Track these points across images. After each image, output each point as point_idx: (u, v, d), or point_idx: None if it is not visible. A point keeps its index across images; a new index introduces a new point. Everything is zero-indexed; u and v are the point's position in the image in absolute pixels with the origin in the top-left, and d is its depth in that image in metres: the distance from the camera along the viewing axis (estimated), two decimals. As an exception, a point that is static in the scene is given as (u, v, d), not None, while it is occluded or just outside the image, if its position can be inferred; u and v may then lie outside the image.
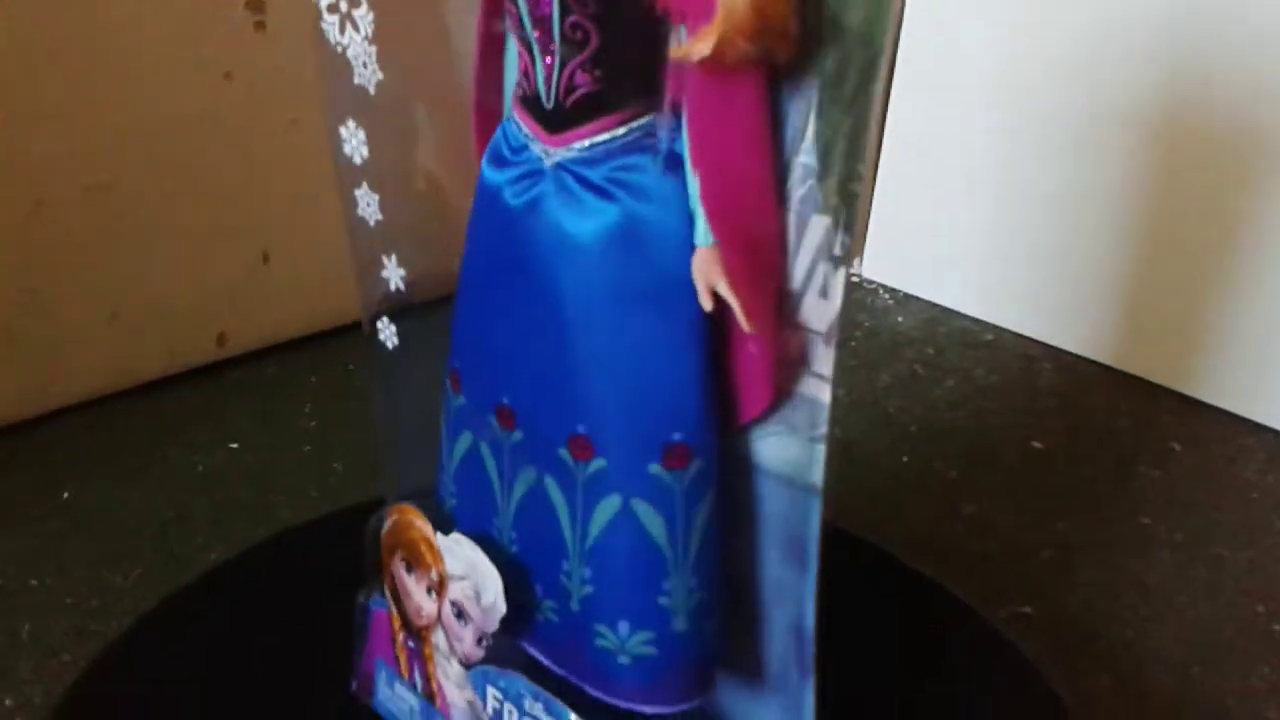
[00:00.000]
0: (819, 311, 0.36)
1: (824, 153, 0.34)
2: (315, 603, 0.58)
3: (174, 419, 0.85)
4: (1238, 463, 0.84)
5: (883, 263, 1.12)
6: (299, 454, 0.82)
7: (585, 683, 0.43)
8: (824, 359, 0.36)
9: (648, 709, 0.42)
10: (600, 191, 0.37)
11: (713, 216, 0.35)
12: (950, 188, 1.04)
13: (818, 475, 0.39)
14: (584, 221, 0.37)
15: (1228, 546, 0.75)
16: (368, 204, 0.44)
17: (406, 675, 0.48)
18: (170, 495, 0.77)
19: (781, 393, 0.38)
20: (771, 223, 0.35)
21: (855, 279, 1.13)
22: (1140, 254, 0.93)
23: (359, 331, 0.96)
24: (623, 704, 0.42)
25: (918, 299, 1.09)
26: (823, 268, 0.35)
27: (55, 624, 0.65)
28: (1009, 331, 1.03)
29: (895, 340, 1.02)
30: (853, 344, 1.01)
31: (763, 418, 0.39)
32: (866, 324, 1.04)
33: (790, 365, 0.37)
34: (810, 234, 0.35)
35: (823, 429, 0.38)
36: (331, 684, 0.53)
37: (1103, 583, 0.71)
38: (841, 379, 0.94)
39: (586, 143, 0.37)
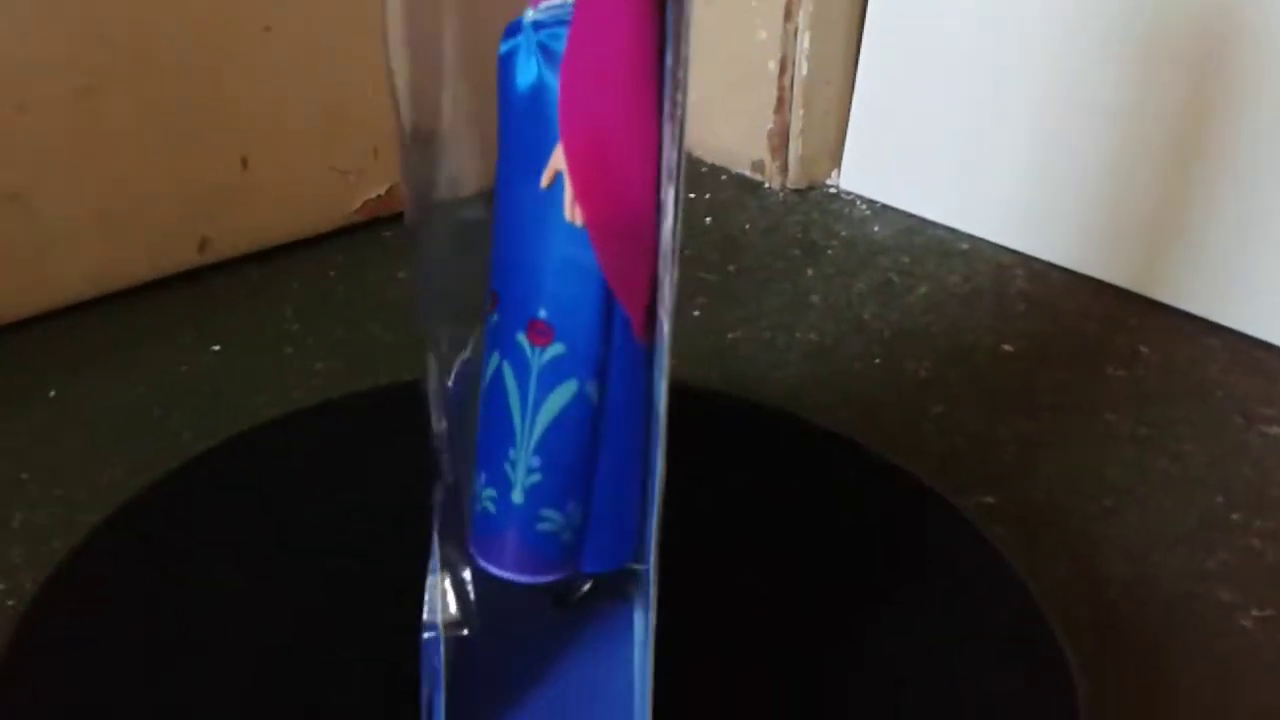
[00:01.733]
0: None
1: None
2: (297, 487, 0.60)
3: (158, 322, 0.87)
4: (1201, 363, 0.86)
5: (860, 174, 1.13)
6: (281, 355, 0.83)
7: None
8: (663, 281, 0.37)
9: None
10: (540, 50, 0.38)
11: (561, 115, 0.37)
12: (928, 100, 1.05)
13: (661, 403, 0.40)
14: (521, 79, 0.38)
15: (1189, 442, 0.78)
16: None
17: None
18: (156, 393, 0.78)
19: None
20: (621, 148, 0.36)
21: (833, 190, 1.14)
22: (1112, 165, 0.95)
23: (339, 239, 0.98)
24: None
25: (894, 210, 1.10)
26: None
27: (45, 514, 0.67)
28: (984, 241, 1.04)
29: (871, 249, 1.03)
30: (829, 253, 1.02)
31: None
32: (843, 234, 1.06)
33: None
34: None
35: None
36: (314, 561, 0.55)
37: (1065, 475, 0.74)
38: (817, 286, 0.96)
39: (545, 3, 0.38)
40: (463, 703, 0.45)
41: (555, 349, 0.40)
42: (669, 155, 0.35)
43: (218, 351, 0.83)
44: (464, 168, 0.43)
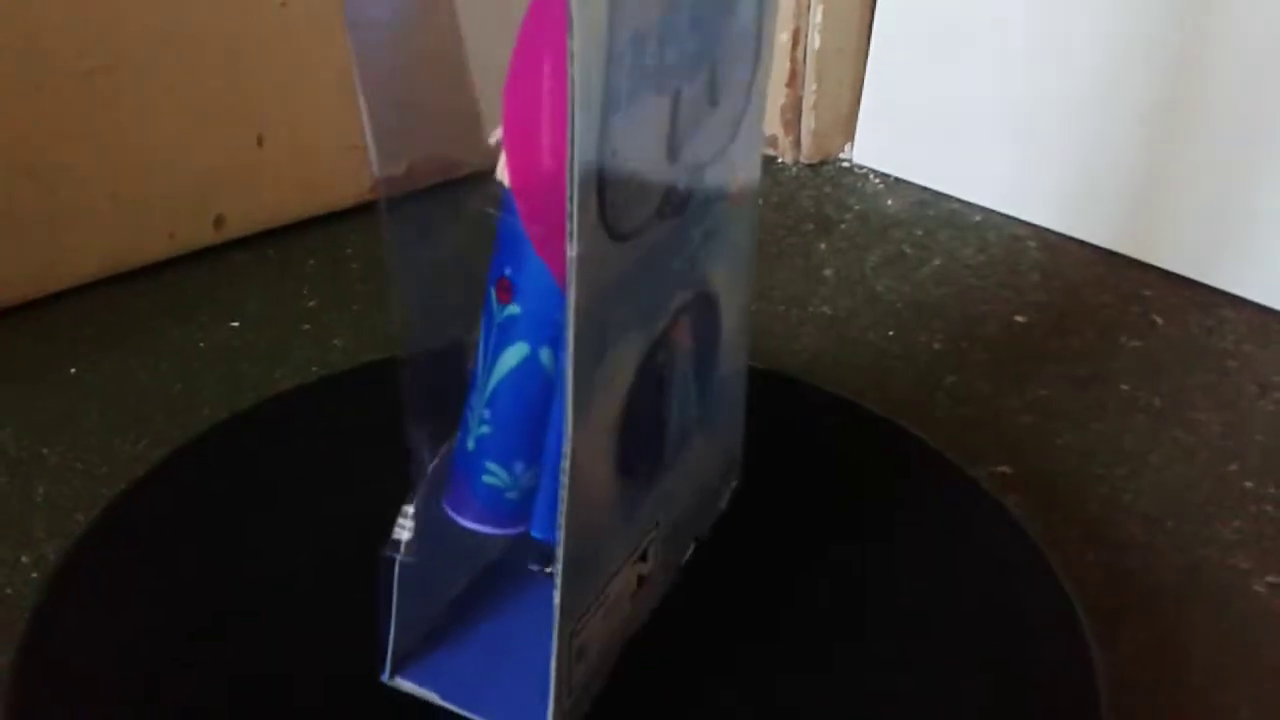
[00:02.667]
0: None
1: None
2: (315, 457, 0.60)
3: (175, 300, 0.87)
4: (1216, 333, 0.86)
5: (873, 148, 1.13)
6: (299, 332, 0.84)
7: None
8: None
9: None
10: None
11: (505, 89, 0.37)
12: (941, 73, 1.05)
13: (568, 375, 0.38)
14: None
15: (1204, 411, 0.78)
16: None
17: None
18: (175, 370, 0.79)
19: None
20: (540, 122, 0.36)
21: (846, 163, 1.14)
22: (1126, 135, 0.94)
23: (355, 216, 0.99)
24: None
25: (908, 183, 1.10)
26: None
27: (68, 488, 0.67)
28: (997, 213, 1.04)
29: (884, 223, 1.03)
30: (842, 226, 1.02)
31: None
32: (856, 207, 1.06)
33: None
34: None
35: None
36: (334, 529, 0.55)
37: (1079, 444, 0.74)
38: (831, 260, 0.96)
39: None
40: (411, 626, 0.47)
41: (511, 309, 0.41)
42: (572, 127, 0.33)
43: (235, 328, 0.84)
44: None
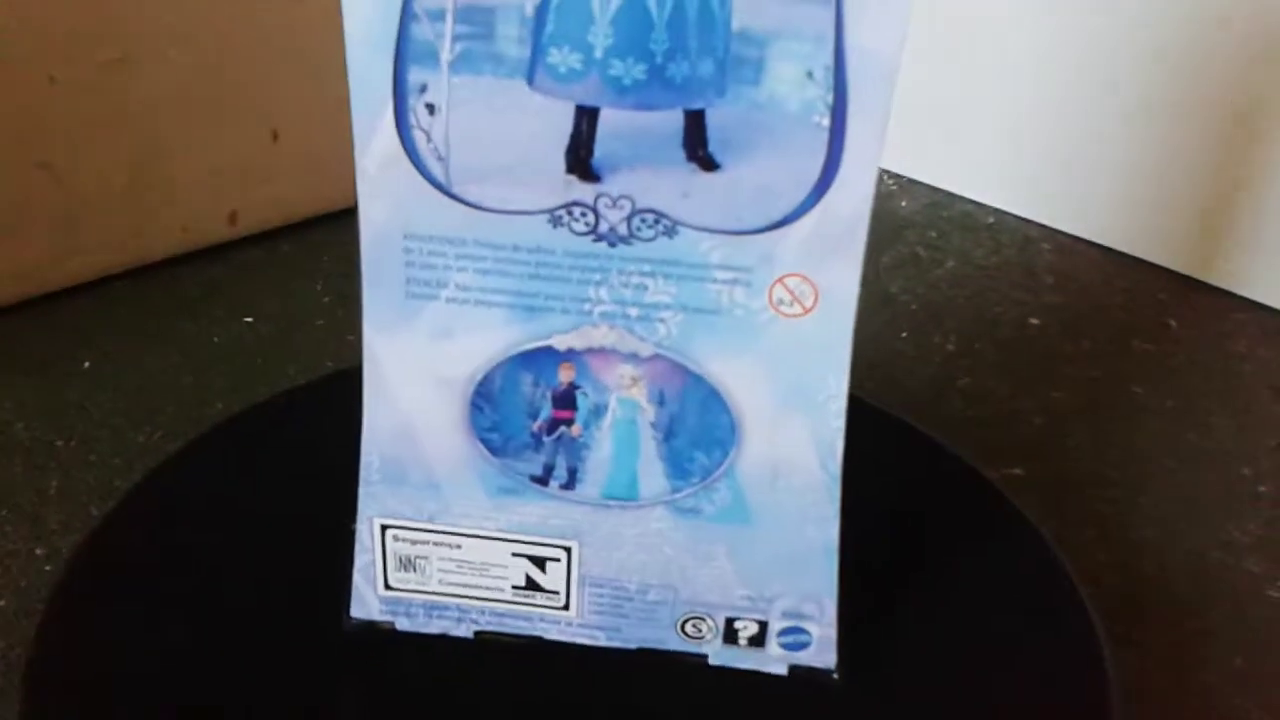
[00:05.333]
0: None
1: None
2: (328, 450, 0.60)
3: (189, 294, 0.87)
4: (1230, 337, 0.86)
5: (887, 149, 1.12)
6: (312, 327, 0.84)
7: None
8: None
9: None
10: None
11: None
12: (955, 75, 1.05)
13: None
14: None
15: (1217, 414, 0.77)
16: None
17: None
18: (188, 364, 0.79)
19: None
20: None
21: (859, 165, 1.13)
22: (1140, 137, 0.94)
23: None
24: None
25: (921, 184, 1.10)
26: None
27: (81, 480, 0.68)
28: (1010, 215, 1.04)
29: (898, 224, 1.03)
30: (855, 227, 1.02)
31: None
32: (869, 208, 1.05)
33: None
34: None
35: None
36: (346, 522, 0.55)
37: (1093, 446, 0.74)
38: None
39: None
40: None
41: None
42: None
43: (249, 323, 0.84)
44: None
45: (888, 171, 1.12)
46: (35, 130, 0.81)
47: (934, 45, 1.06)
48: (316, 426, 0.62)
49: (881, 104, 0.38)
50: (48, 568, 0.61)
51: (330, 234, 0.96)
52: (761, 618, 0.49)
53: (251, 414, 0.63)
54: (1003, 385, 0.79)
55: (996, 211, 1.04)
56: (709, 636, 0.48)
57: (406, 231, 0.42)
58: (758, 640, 0.49)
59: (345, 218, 1.07)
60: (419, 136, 0.39)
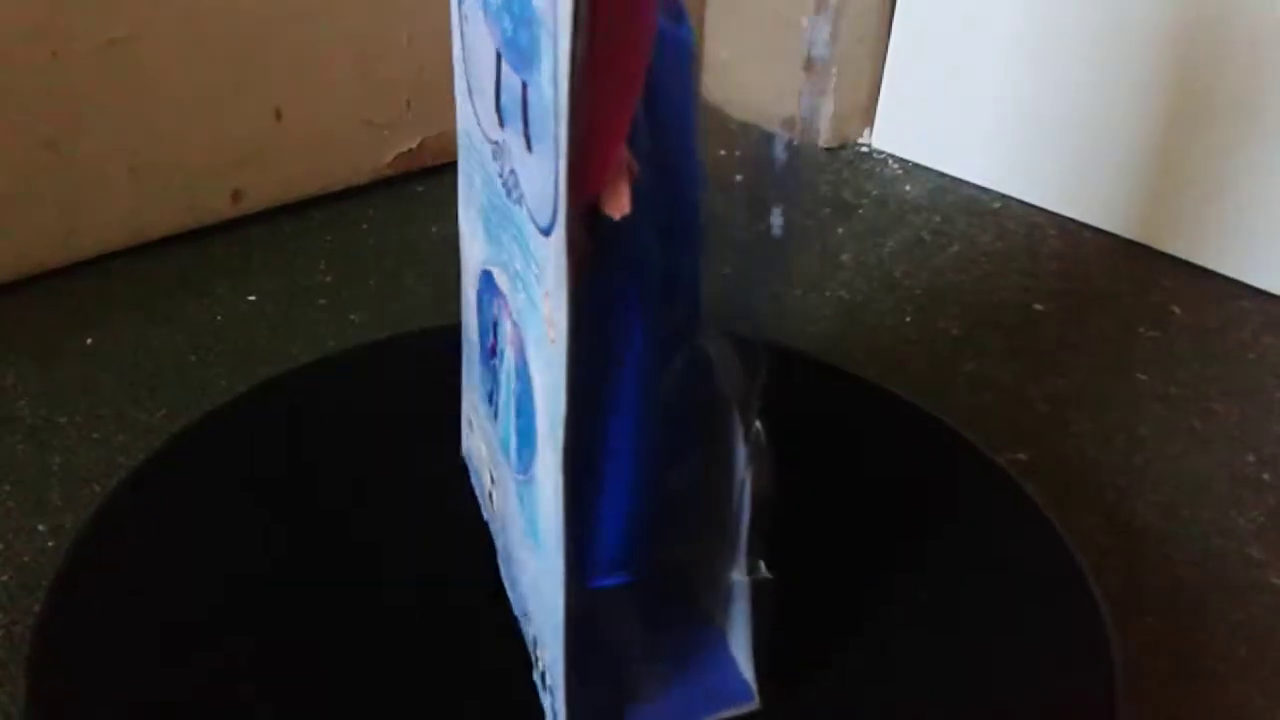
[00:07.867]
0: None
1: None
2: (331, 431, 0.60)
3: (192, 272, 0.87)
4: (1235, 324, 0.86)
5: (892, 133, 1.12)
6: (316, 306, 0.84)
7: None
8: None
9: None
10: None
11: None
12: (960, 59, 1.05)
13: None
14: None
15: (1221, 402, 0.77)
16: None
17: None
18: (191, 341, 0.79)
19: None
20: None
21: (864, 149, 1.13)
22: (1147, 123, 0.94)
23: (371, 192, 0.99)
24: None
25: (926, 169, 1.09)
26: None
27: (84, 457, 0.68)
28: (1016, 200, 1.04)
29: (903, 208, 1.03)
30: (860, 211, 1.02)
31: None
32: (874, 193, 1.05)
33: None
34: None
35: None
36: (348, 504, 0.55)
37: (1097, 433, 0.74)
38: (848, 245, 0.96)
39: None
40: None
41: None
42: None
43: (252, 302, 0.84)
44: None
45: (893, 155, 1.12)
46: (39, 109, 0.81)
47: (938, 30, 1.06)
48: (319, 405, 0.62)
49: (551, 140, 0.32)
50: (50, 544, 0.61)
51: (333, 213, 0.95)
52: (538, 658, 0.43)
53: (256, 394, 0.63)
54: (1007, 371, 0.79)
55: (1002, 197, 1.04)
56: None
57: (463, 127, 0.44)
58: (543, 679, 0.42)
59: (349, 197, 1.07)
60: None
